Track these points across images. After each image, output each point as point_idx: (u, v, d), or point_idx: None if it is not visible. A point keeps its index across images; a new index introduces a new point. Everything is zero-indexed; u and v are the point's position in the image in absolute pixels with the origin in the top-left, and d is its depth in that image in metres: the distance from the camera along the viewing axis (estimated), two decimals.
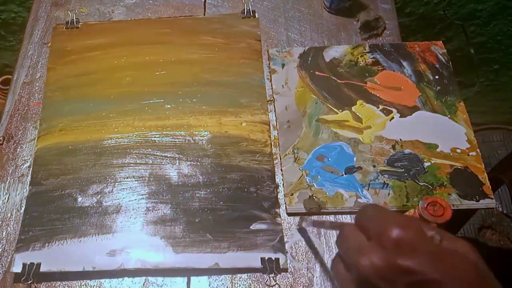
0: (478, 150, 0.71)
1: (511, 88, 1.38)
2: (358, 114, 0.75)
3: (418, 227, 0.35)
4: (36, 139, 0.75)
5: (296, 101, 0.77)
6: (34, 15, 0.90)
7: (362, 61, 0.81)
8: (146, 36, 0.85)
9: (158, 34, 0.85)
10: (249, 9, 0.88)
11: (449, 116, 0.75)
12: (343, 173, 0.69)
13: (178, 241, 0.65)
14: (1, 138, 0.75)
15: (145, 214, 0.67)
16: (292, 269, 0.63)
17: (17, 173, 0.72)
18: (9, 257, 0.65)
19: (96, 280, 0.63)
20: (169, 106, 0.77)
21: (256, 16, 0.87)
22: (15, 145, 0.75)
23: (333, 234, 0.65)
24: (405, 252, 0.33)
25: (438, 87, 0.78)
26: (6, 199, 0.70)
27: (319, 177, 0.69)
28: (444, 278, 0.33)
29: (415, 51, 0.82)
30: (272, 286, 0.62)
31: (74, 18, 0.87)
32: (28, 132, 0.76)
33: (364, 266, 0.34)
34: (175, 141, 0.73)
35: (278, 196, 0.68)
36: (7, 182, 0.71)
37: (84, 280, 0.63)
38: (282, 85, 0.79)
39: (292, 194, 0.68)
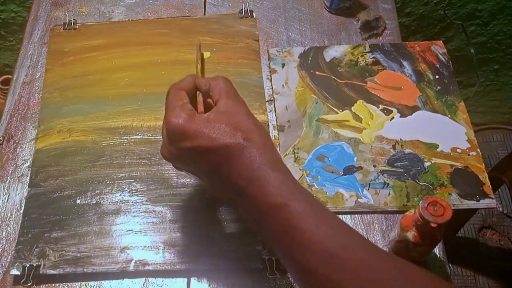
0: (479, 150, 0.71)
1: (511, 88, 1.38)
2: (358, 114, 0.75)
3: (183, 115, 0.48)
4: (34, 140, 0.74)
5: (296, 101, 0.77)
6: (34, 15, 0.90)
7: (363, 61, 0.81)
8: (144, 37, 0.85)
9: (156, 35, 0.85)
10: (247, 9, 0.87)
11: (449, 116, 0.75)
12: (343, 173, 0.69)
13: (178, 242, 0.64)
14: (1, 138, 0.75)
15: (145, 214, 0.67)
16: None
17: (17, 173, 0.72)
18: (9, 257, 0.65)
19: (96, 281, 0.63)
20: None
21: (254, 16, 0.87)
22: (15, 145, 0.75)
23: None
24: (178, 138, 0.48)
25: (439, 87, 0.78)
26: (6, 199, 0.70)
27: (319, 177, 0.69)
28: (210, 141, 0.46)
29: (415, 51, 0.82)
30: (272, 286, 0.62)
31: (72, 19, 0.87)
32: (28, 132, 0.76)
33: (161, 154, 0.52)
34: None
35: None
36: (7, 182, 0.71)
37: (84, 281, 0.63)
38: (282, 85, 0.78)
39: None
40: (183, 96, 0.51)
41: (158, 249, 0.64)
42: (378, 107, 0.76)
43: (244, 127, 0.47)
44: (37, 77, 0.82)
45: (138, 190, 0.69)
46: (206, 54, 0.82)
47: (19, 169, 0.72)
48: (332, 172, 0.69)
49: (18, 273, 0.62)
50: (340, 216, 0.67)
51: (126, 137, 0.74)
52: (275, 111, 0.76)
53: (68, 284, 0.63)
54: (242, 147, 0.46)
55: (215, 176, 0.49)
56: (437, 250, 0.64)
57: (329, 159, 0.71)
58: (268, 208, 0.44)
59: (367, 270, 0.41)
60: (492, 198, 0.67)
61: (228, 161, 0.46)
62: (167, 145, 0.50)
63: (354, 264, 0.41)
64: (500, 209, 1.43)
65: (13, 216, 0.68)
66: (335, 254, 0.41)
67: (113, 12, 0.90)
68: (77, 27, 0.87)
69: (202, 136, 0.47)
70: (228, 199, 0.51)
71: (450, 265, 0.75)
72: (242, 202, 0.47)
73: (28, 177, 0.71)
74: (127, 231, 0.66)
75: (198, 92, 0.54)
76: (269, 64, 0.81)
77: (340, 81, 0.79)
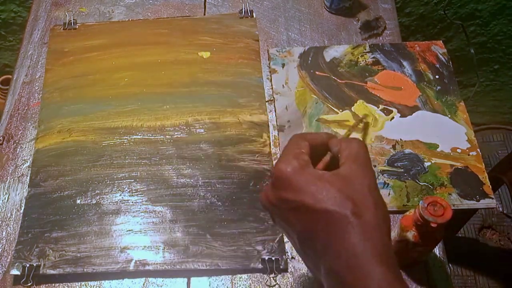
0: (479, 150, 0.71)
1: (511, 88, 1.38)
2: (358, 114, 0.75)
3: (294, 163, 0.43)
4: (34, 140, 0.74)
5: (296, 101, 0.77)
6: (34, 15, 0.90)
7: (363, 61, 0.81)
8: (144, 37, 0.85)
9: (156, 35, 0.85)
10: (247, 9, 0.87)
11: (449, 116, 0.75)
12: None
13: (178, 242, 0.64)
14: (1, 138, 0.75)
15: (145, 214, 0.67)
16: (292, 269, 0.63)
17: (17, 173, 0.72)
18: (9, 257, 0.65)
19: (96, 281, 0.63)
20: (167, 106, 0.77)
21: (254, 16, 0.87)
22: (15, 145, 0.75)
23: None
24: (281, 186, 0.43)
25: (439, 87, 0.78)
26: (6, 199, 0.70)
27: None
28: (313, 201, 0.40)
29: (415, 51, 0.81)
30: (272, 286, 0.62)
31: (72, 19, 0.87)
32: (28, 132, 0.76)
33: (260, 198, 0.46)
34: (174, 142, 0.73)
35: None
36: (7, 182, 0.71)
37: (84, 281, 0.63)
38: (282, 85, 0.78)
39: None
40: (303, 146, 0.45)
41: (158, 249, 0.64)
42: (378, 107, 0.76)
43: (358, 200, 0.40)
44: (37, 77, 0.82)
45: (138, 190, 0.69)
46: (206, 54, 0.82)
47: (19, 169, 0.72)
48: None
49: (18, 273, 0.62)
50: None
51: (126, 137, 0.74)
52: (275, 111, 0.76)
53: (68, 284, 0.63)
54: (348, 221, 0.39)
55: (308, 244, 0.43)
56: (437, 250, 0.64)
57: None
58: None
59: None
60: (492, 198, 0.67)
61: (327, 232, 0.40)
62: (269, 190, 0.45)
63: None
64: (500, 209, 1.43)
65: (13, 216, 0.68)
66: None
67: (113, 12, 0.90)
68: (77, 27, 0.87)
69: (306, 192, 0.41)
70: (314, 269, 0.44)
71: (450, 265, 0.75)
72: (329, 283, 0.41)
73: (28, 177, 0.71)
74: (127, 231, 0.66)
75: (328, 152, 0.47)
76: (269, 64, 0.81)
77: (340, 81, 0.79)
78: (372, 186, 0.42)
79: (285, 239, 0.65)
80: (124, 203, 0.68)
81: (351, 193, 0.41)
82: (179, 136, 0.74)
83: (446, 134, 0.73)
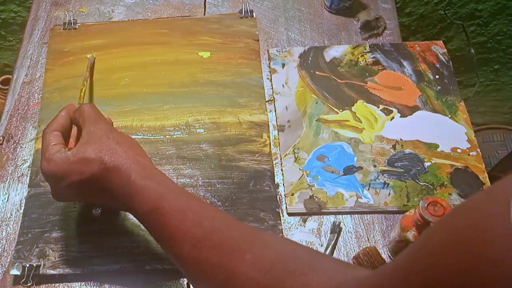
0: (479, 150, 0.71)
1: (511, 88, 1.38)
2: (358, 114, 0.75)
3: (49, 158, 0.53)
4: (34, 140, 0.74)
5: (296, 101, 0.77)
6: (34, 14, 0.90)
7: (363, 60, 0.81)
8: (144, 37, 0.85)
9: (156, 35, 0.85)
10: (247, 9, 0.87)
11: (449, 115, 0.75)
12: (343, 173, 0.69)
13: None
14: (1, 138, 0.75)
15: None
16: None
17: (17, 173, 0.72)
18: (9, 257, 0.65)
19: (96, 281, 0.63)
20: (167, 106, 0.77)
21: (254, 16, 0.87)
22: (15, 145, 0.75)
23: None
24: (55, 181, 0.55)
25: (439, 87, 0.78)
26: (6, 199, 0.70)
27: (319, 177, 0.69)
28: (80, 176, 0.52)
29: (416, 51, 0.81)
30: None
31: (72, 19, 0.87)
32: (27, 132, 0.76)
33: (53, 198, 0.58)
34: (174, 142, 0.73)
35: (278, 196, 0.68)
36: (7, 182, 0.71)
37: (84, 281, 0.63)
38: (282, 85, 0.78)
39: (292, 194, 0.68)
40: (53, 138, 0.55)
41: (158, 249, 0.64)
42: (378, 107, 0.76)
43: (105, 150, 0.52)
44: (37, 77, 0.82)
45: None
46: (206, 54, 0.82)
47: (19, 169, 0.72)
48: (332, 172, 0.69)
49: (18, 273, 0.62)
50: (340, 216, 0.67)
51: None
52: (275, 111, 0.76)
53: (68, 284, 0.63)
54: (107, 170, 0.51)
55: (102, 197, 0.54)
56: None
57: (329, 159, 0.71)
58: (144, 215, 0.50)
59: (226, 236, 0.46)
60: None
61: (103, 186, 0.52)
62: (53, 189, 0.56)
63: (220, 240, 0.46)
64: None
65: (13, 216, 0.68)
66: (201, 238, 0.46)
67: (113, 12, 0.89)
68: (77, 27, 0.86)
69: (71, 173, 0.52)
70: (123, 208, 0.58)
71: None
72: (129, 211, 0.54)
73: (28, 177, 0.71)
74: (128, 230, 0.66)
75: (73, 126, 0.58)
76: (269, 64, 0.81)
77: (340, 81, 0.79)
78: (109, 132, 0.54)
79: None
80: None
81: (98, 149, 0.52)
82: (179, 136, 0.74)
83: (446, 134, 0.73)
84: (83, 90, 0.68)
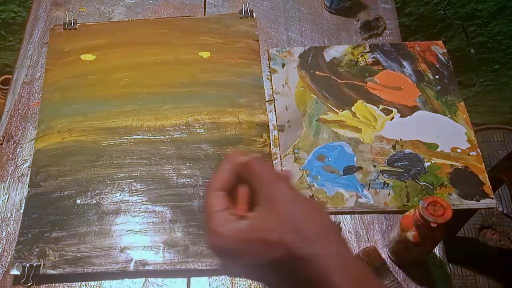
0: (479, 150, 0.71)
1: (511, 88, 1.38)
2: (358, 114, 0.75)
3: (221, 232, 0.38)
4: (34, 140, 0.74)
5: (296, 101, 0.77)
6: (34, 15, 0.90)
7: (363, 61, 0.81)
8: (144, 37, 0.85)
9: (156, 35, 0.85)
10: (247, 9, 0.87)
11: (449, 116, 0.75)
12: (343, 173, 0.69)
13: (178, 242, 0.64)
14: (1, 138, 0.75)
15: (145, 214, 0.67)
16: None
17: (17, 173, 0.72)
18: (9, 257, 0.65)
19: (96, 281, 0.63)
20: (167, 106, 0.77)
21: (254, 16, 0.87)
22: (15, 145, 0.75)
23: None
24: (228, 257, 0.39)
25: (439, 87, 0.78)
26: (6, 199, 0.70)
27: (319, 177, 0.69)
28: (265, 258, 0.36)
29: (415, 51, 0.81)
30: None
31: (72, 19, 0.87)
32: (28, 132, 0.76)
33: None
34: (174, 142, 0.73)
35: None
36: (7, 182, 0.71)
37: (84, 281, 0.63)
38: (282, 85, 0.78)
39: None
40: (218, 202, 0.40)
41: (158, 249, 0.64)
42: (378, 107, 0.76)
43: (291, 230, 0.37)
44: (37, 77, 0.82)
45: (138, 190, 0.69)
46: (206, 54, 0.82)
47: (19, 169, 0.72)
48: (332, 172, 0.69)
49: (18, 273, 0.62)
50: (340, 216, 0.67)
51: (126, 137, 0.74)
52: (275, 111, 0.76)
53: (68, 284, 0.63)
54: (293, 259, 0.36)
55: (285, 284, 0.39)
56: (437, 250, 0.64)
57: (329, 159, 0.71)
58: None
59: None
60: (492, 198, 0.67)
61: (293, 276, 0.37)
62: (226, 261, 0.41)
63: None
64: (500, 209, 1.43)
65: (13, 216, 0.68)
66: None
67: (113, 12, 0.89)
68: (77, 27, 0.86)
69: (246, 254, 0.38)
70: None
71: (450, 265, 0.75)
72: None
73: (28, 177, 0.71)
74: (127, 231, 0.66)
75: (240, 186, 0.42)
76: (269, 64, 0.81)
77: (340, 81, 0.79)
78: (294, 199, 0.39)
79: None
80: (124, 203, 0.68)
81: (279, 224, 0.37)
82: (179, 136, 0.74)
83: (446, 134, 0.73)
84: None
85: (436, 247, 0.62)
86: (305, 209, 0.38)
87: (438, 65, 0.80)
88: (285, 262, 0.36)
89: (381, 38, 0.85)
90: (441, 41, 0.83)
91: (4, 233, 0.67)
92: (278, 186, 0.39)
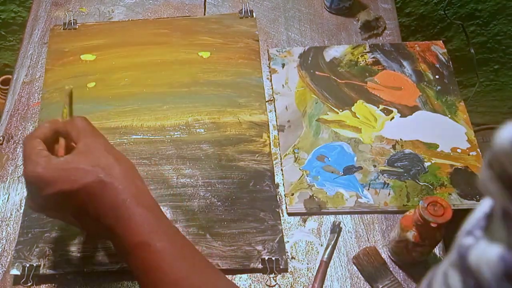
0: (479, 150, 0.71)
1: (511, 88, 1.38)
2: (358, 114, 0.75)
3: (38, 162, 0.48)
4: None
5: (296, 101, 0.77)
6: (34, 15, 0.90)
7: (363, 61, 0.81)
8: (144, 37, 0.85)
9: (156, 35, 0.85)
10: (247, 9, 0.87)
11: (449, 116, 0.75)
12: (343, 173, 0.69)
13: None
14: (1, 138, 0.75)
15: None
16: (292, 269, 0.63)
17: (17, 173, 0.72)
18: (9, 257, 0.65)
19: (96, 281, 0.63)
20: (167, 106, 0.77)
21: (254, 16, 0.87)
22: (15, 145, 0.75)
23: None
24: (38, 187, 0.48)
25: (439, 87, 0.78)
26: (6, 199, 0.70)
27: (319, 177, 0.69)
28: (70, 185, 0.47)
29: (415, 51, 0.81)
30: (272, 286, 0.62)
31: (72, 19, 0.87)
32: (27, 132, 0.76)
33: (30, 208, 0.55)
34: (174, 142, 0.73)
35: (278, 196, 0.68)
36: (7, 182, 0.71)
37: (84, 281, 0.63)
38: (282, 85, 0.78)
39: (292, 194, 0.68)
40: (37, 144, 0.50)
41: None
42: (378, 107, 0.76)
43: (103, 164, 0.48)
44: (37, 77, 0.82)
45: None
46: (206, 54, 0.82)
47: (19, 169, 0.72)
48: (332, 172, 0.69)
49: (18, 273, 0.62)
50: (340, 216, 0.67)
51: (126, 137, 0.74)
52: (275, 111, 0.76)
53: (68, 284, 0.63)
54: (103, 184, 0.47)
55: (84, 216, 0.49)
56: (437, 250, 0.64)
57: (329, 159, 0.71)
58: (131, 247, 0.46)
59: None
60: None
61: (92, 201, 0.47)
62: (32, 197, 0.50)
63: None
64: None
65: (13, 216, 0.68)
66: None
67: (113, 12, 0.89)
68: (77, 27, 0.86)
69: (62, 181, 0.47)
70: (104, 235, 0.51)
71: None
72: (112, 239, 0.49)
73: None
74: None
75: (60, 137, 0.54)
76: (269, 64, 0.81)
77: (340, 81, 0.79)
78: (108, 147, 0.51)
79: (285, 239, 0.65)
80: None
81: (95, 161, 0.48)
82: (179, 136, 0.74)
83: (446, 134, 0.73)
84: (65, 112, 0.60)
85: (436, 247, 0.62)
86: (117, 155, 0.51)
87: (438, 65, 0.80)
88: (94, 187, 0.47)
89: (381, 38, 0.85)
90: (441, 41, 0.83)
91: (4, 233, 0.67)
92: (96, 138, 0.52)
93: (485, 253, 0.23)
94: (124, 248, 0.47)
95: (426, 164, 0.70)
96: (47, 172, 0.47)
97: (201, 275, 0.46)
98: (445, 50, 0.82)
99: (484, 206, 0.26)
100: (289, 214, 0.67)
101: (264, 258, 0.63)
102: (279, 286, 0.62)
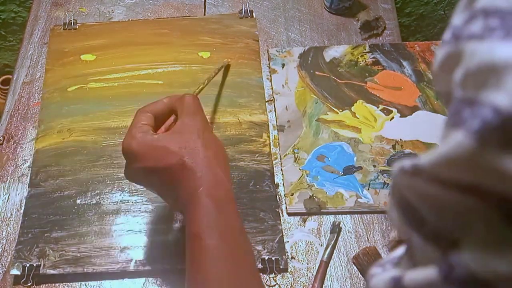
0: None
1: None
2: (357, 114, 0.75)
3: (135, 136, 0.50)
4: (34, 140, 0.74)
5: (296, 101, 0.77)
6: (34, 15, 0.90)
7: (362, 61, 0.81)
8: (144, 37, 0.85)
9: (156, 35, 0.85)
10: (247, 9, 0.87)
11: None
12: (343, 173, 0.69)
13: (178, 242, 0.64)
14: (1, 138, 0.75)
15: (145, 214, 0.67)
16: (292, 269, 0.63)
17: (17, 173, 0.72)
18: (9, 257, 0.65)
19: (96, 281, 0.63)
20: None
21: (254, 16, 0.87)
22: (15, 145, 0.75)
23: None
24: (131, 160, 0.51)
25: None
26: (6, 199, 0.70)
27: (319, 177, 0.69)
28: (155, 163, 0.49)
29: (415, 51, 0.82)
30: (272, 286, 0.62)
31: (72, 19, 0.87)
32: (28, 132, 0.76)
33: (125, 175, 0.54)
34: None
35: (278, 196, 0.68)
36: (7, 182, 0.71)
37: (84, 281, 0.63)
38: (282, 85, 0.78)
39: (292, 194, 0.68)
40: (144, 118, 0.52)
41: (158, 249, 0.64)
42: (378, 107, 0.76)
43: (190, 147, 0.49)
44: (37, 77, 0.82)
45: (138, 190, 0.69)
46: (206, 54, 0.82)
47: (19, 169, 0.72)
48: (332, 172, 0.69)
49: (18, 273, 0.62)
50: (340, 216, 0.67)
51: None
52: (275, 111, 0.76)
53: (68, 284, 0.63)
54: (183, 168, 0.48)
55: (167, 194, 0.52)
56: None
57: (329, 159, 0.71)
58: (189, 234, 0.48)
59: None
60: None
61: (172, 181, 0.49)
62: (127, 166, 0.52)
63: None
64: None
65: (13, 216, 0.68)
66: None
67: (113, 12, 0.90)
68: (77, 27, 0.86)
69: (148, 158, 0.49)
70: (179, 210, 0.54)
71: None
72: (184, 220, 0.52)
73: (28, 177, 0.71)
74: (127, 231, 0.66)
75: (173, 115, 0.55)
76: (269, 64, 0.81)
77: (340, 81, 0.79)
78: (202, 131, 0.51)
79: (285, 239, 0.65)
80: (124, 203, 0.68)
81: (183, 143, 0.49)
82: None
83: None
84: (200, 87, 0.63)
85: None
86: (208, 138, 0.51)
87: None
88: (175, 170, 0.48)
89: (381, 38, 0.85)
90: (441, 41, 0.83)
91: (4, 233, 0.67)
92: (195, 117, 0.52)
93: (384, 276, 0.26)
94: (187, 232, 0.48)
95: None
96: (138, 147, 0.49)
97: (241, 282, 0.46)
98: None
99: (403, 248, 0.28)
100: (289, 214, 0.67)
101: (264, 258, 0.63)
102: (279, 286, 0.62)
